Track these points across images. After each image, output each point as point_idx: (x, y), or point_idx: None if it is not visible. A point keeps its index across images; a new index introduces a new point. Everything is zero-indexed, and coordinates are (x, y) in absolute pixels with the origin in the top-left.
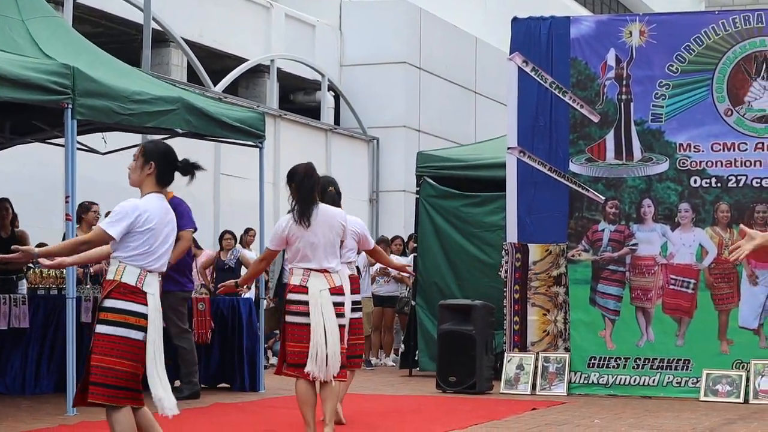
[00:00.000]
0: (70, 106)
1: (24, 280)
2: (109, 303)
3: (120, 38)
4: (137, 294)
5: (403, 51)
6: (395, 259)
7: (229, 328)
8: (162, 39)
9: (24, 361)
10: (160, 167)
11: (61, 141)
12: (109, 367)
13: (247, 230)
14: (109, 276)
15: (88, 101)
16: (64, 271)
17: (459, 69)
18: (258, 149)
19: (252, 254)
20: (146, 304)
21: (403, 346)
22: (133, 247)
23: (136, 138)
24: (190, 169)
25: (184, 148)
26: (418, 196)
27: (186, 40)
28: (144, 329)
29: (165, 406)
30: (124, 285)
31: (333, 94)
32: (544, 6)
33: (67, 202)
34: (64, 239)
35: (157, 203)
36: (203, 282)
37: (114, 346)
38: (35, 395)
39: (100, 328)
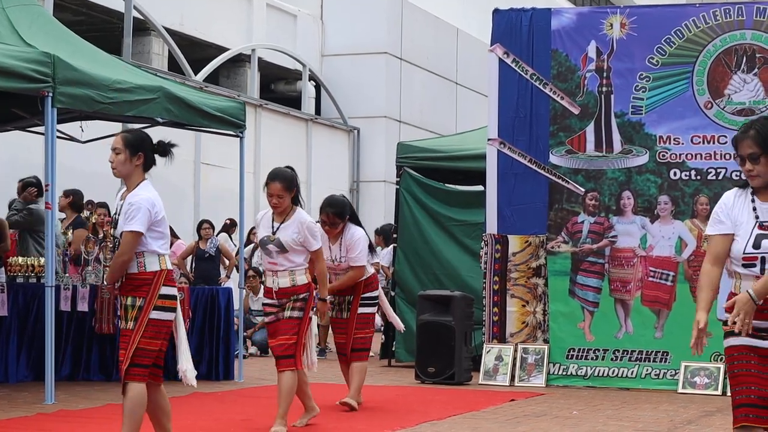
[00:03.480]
0: (50, 94)
1: (2, 268)
2: (165, 290)
3: (101, 26)
4: (172, 279)
5: (384, 41)
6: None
7: (208, 318)
8: (143, 28)
9: (2, 349)
10: (148, 156)
11: (40, 129)
12: (152, 349)
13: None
14: (152, 267)
15: (68, 90)
16: (43, 259)
17: (440, 60)
18: (238, 139)
19: (231, 243)
20: (176, 286)
21: (383, 336)
22: (156, 237)
23: (116, 127)
24: (168, 148)
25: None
26: (398, 186)
27: (167, 29)
28: (175, 309)
29: (189, 377)
30: (169, 272)
31: (314, 84)
32: None
33: (46, 190)
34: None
35: (155, 191)
36: (182, 271)
37: (161, 330)
38: (14, 384)
39: (157, 314)
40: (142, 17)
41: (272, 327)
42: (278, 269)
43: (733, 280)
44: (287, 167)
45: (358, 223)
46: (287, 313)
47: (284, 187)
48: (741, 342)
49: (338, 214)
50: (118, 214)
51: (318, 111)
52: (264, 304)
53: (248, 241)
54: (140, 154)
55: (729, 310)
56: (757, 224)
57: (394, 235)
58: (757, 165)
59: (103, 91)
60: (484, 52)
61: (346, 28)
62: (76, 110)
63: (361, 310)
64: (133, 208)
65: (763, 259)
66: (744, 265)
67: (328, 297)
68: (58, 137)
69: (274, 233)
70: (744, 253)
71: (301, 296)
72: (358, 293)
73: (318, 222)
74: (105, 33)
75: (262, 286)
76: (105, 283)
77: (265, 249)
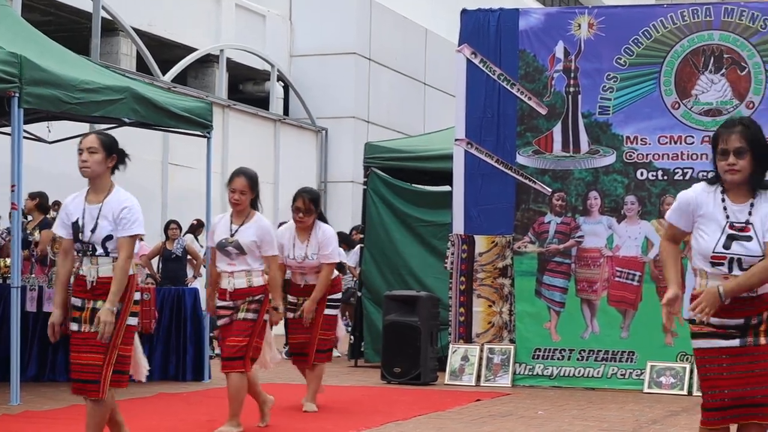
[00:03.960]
0: (17, 94)
1: None
2: (136, 296)
3: (69, 27)
4: (138, 282)
5: (352, 42)
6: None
7: (174, 318)
8: (111, 28)
9: None
10: (119, 159)
11: (7, 129)
12: (129, 356)
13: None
14: (131, 272)
15: (36, 90)
16: (8, 260)
17: (409, 60)
18: (206, 139)
19: (198, 244)
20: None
21: (351, 337)
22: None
23: (83, 127)
24: (125, 156)
25: (132, 137)
26: (365, 187)
27: (135, 30)
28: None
29: (143, 372)
30: (136, 276)
31: (282, 84)
32: None
33: (12, 190)
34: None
35: None
36: (149, 272)
37: (133, 335)
38: None
39: (132, 320)
40: (110, 18)
41: (226, 329)
42: (235, 270)
43: (698, 278)
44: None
45: (326, 222)
46: (241, 315)
47: (248, 184)
48: (711, 345)
49: (314, 200)
50: (86, 219)
51: (286, 111)
52: (218, 307)
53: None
54: (114, 156)
55: (690, 306)
56: (728, 224)
57: (361, 236)
58: (741, 160)
59: (71, 92)
60: (453, 52)
61: (315, 29)
62: (43, 111)
63: (326, 312)
64: (133, 211)
65: (731, 260)
66: (712, 263)
67: (292, 299)
68: (24, 138)
69: (232, 236)
70: (713, 252)
71: (257, 297)
72: (324, 296)
73: (282, 224)
74: (73, 33)
75: None
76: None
77: (224, 251)
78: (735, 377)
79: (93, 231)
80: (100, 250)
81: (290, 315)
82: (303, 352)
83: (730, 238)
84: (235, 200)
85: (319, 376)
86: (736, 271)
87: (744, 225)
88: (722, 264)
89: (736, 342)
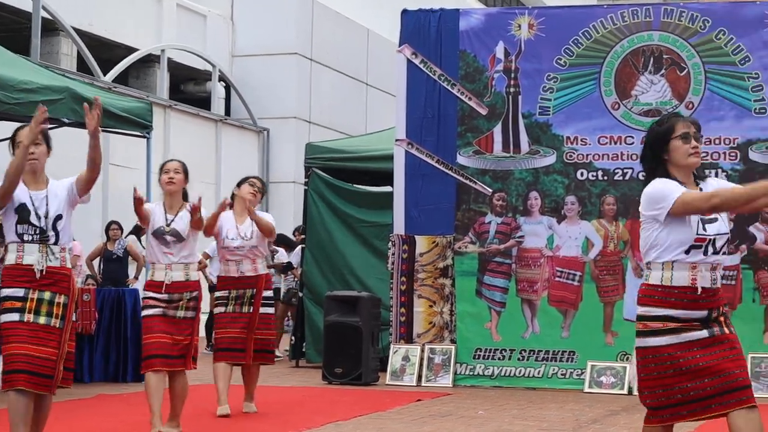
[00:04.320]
0: None
1: None
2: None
3: (10, 27)
4: None
5: (294, 42)
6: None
7: (114, 319)
8: (52, 28)
9: None
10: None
11: None
12: (73, 352)
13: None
14: (69, 263)
15: None
16: None
17: (350, 60)
18: (146, 139)
19: (140, 245)
20: None
21: (293, 338)
22: None
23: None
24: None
25: (72, 137)
26: (306, 187)
27: (76, 29)
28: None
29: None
30: None
31: (224, 84)
32: None
33: None
34: None
35: None
36: (90, 273)
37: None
38: None
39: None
40: (51, 18)
41: (158, 321)
42: (173, 261)
43: (658, 272)
44: None
45: None
46: (181, 313)
47: (182, 167)
48: (681, 339)
49: (262, 181)
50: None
51: (228, 112)
52: (149, 298)
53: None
54: (50, 150)
55: (642, 301)
56: None
57: (302, 236)
58: (700, 145)
59: (9, 92)
60: (394, 52)
61: (257, 29)
62: None
63: (262, 310)
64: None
65: (708, 242)
66: (691, 247)
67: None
68: None
69: (168, 225)
70: (697, 235)
71: (194, 294)
72: (260, 289)
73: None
74: (13, 33)
75: None
76: None
77: (161, 239)
78: (714, 365)
79: (46, 216)
80: (52, 238)
81: (221, 310)
82: (235, 347)
83: (704, 221)
84: (169, 179)
85: (257, 376)
86: (709, 254)
87: None
88: (700, 247)
89: (704, 333)
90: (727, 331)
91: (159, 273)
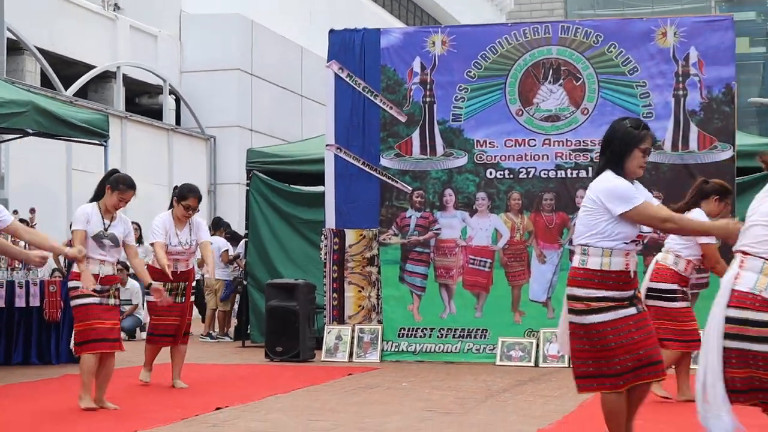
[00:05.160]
0: None
1: None
2: None
3: None
4: None
5: (236, 59)
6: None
7: None
8: (17, 47)
9: None
10: None
11: None
12: None
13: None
14: None
15: None
16: None
17: (287, 75)
18: (103, 147)
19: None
20: None
21: (236, 320)
22: None
23: None
24: None
25: (38, 146)
26: (248, 188)
27: (39, 49)
28: None
29: None
30: None
31: (174, 97)
32: (362, 17)
33: None
34: None
35: None
36: (56, 267)
37: None
38: None
39: None
40: (15, 38)
41: (96, 309)
42: (106, 259)
43: (588, 256)
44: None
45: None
46: (113, 301)
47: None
48: (618, 315)
49: (200, 199)
50: None
51: (178, 122)
52: (86, 289)
53: None
54: None
55: (581, 284)
56: None
57: (246, 231)
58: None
59: None
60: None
61: (202, 47)
62: None
63: (192, 298)
64: None
65: (642, 238)
66: (631, 242)
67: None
68: None
69: (106, 230)
70: (640, 232)
71: (117, 286)
72: (191, 281)
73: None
74: None
75: (129, 278)
76: None
77: (99, 242)
78: (643, 339)
79: None
80: None
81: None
82: (170, 333)
83: None
84: (123, 204)
85: (184, 354)
86: (638, 245)
87: None
88: (638, 243)
89: (633, 310)
90: (643, 307)
91: (94, 267)
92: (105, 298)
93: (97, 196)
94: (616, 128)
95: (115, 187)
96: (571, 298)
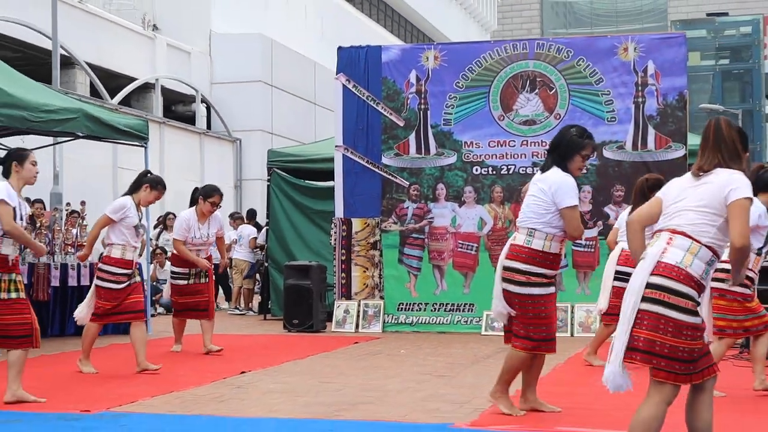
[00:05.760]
0: None
1: None
2: None
3: (35, 61)
4: None
5: (259, 72)
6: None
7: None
8: (69, 62)
9: None
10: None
11: None
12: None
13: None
14: None
15: (6, 111)
16: None
17: (302, 86)
18: (143, 149)
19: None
20: None
21: (260, 297)
22: None
23: (47, 140)
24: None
25: (88, 148)
26: (269, 183)
27: (88, 63)
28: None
29: None
30: None
31: (205, 105)
32: (366, 36)
33: None
34: None
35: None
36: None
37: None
38: None
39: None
40: (67, 54)
41: (125, 290)
42: (137, 246)
43: (533, 238)
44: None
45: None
46: (137, 279)
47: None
48: (552, 291)
49: (222, 196)
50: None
51: (209, 126)
52: (119, 274)
53: (157, 224)
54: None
55: (525, 261)
56: None
57: (267, 220)
58: None
59: (34, 112)
60: (334, 79)
61: (229, 62)
62: (12, 128)
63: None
64: None
65: None
66: (564, 231)
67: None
68: (0, 149)
69: (140, 220)
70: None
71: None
72: (210, 266)
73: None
74: (38, 66)
75: (168, 261)
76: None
77: (137, 230)
78: (553, 314)
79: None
80: None
81: (183, 282)
82: (198, 308)
83: (581, 216)
84: (154, 201)
85: (213, 326)
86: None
87: None
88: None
89: (553, 289)
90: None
91: (128, 253)
92: (133, 278)
93: (132, 191)
94: (564, 134)
95: (155, 187)
96: (513, 270)
